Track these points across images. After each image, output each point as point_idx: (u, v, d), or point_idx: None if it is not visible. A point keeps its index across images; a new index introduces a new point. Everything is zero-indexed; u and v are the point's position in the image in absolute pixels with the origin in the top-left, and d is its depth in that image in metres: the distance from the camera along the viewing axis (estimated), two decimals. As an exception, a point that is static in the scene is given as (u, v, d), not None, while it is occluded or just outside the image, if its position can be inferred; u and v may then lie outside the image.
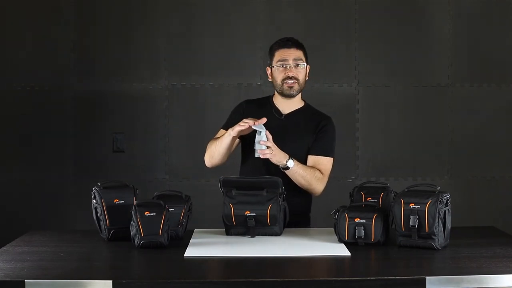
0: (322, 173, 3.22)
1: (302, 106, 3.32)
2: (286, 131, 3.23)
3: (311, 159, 3.24)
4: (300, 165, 3.15)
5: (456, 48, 4.69)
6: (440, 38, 4.69)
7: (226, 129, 3.29)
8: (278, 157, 3.08)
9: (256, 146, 3.04)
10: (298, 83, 3.24)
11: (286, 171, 3.13)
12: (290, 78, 3.22)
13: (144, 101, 4.67)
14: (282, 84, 3.23)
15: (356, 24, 4.68)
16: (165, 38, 4.66)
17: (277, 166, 3.12)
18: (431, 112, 4.72)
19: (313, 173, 3.18)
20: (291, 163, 3.10)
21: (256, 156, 3.06)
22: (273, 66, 3.26)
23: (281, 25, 4.64)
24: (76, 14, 4.64)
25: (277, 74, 3.25)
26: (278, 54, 3.25)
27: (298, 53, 3.25)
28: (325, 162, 3.25)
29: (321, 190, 3.24)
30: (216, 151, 3.24)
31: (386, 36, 4.70)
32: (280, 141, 3.14)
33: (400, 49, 4.70)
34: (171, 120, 4.68)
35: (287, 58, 3.22)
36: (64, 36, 4.64)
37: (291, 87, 3.23)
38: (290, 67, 3.22)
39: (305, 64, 3.26)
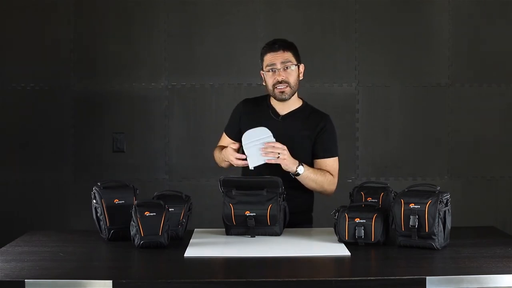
0: (331, 174, 3.23)
1: (300, 106, 3.30)
2: (283, 133, 3.21)
3: (317, 162, 3.24)
4: (311, 170, 3.16)
5: (456, 48, 4.69)
6: (440, 38, 4.69)
7: (227, 132, 3.40)
8: (288, 162, 3.08)
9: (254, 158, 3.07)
10: (290, 86, 3.19)
11: (297, 177, 3.13)
12: (280, 82, 3.18)
13: (144, 101, 4.67)
14: (274, 89, 3.20)
15: (356, 24, 4.68)
16: (165, 38, 4.66)
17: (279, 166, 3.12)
18: (431, 112, 4.72)
19: (324, 176, 3.19)
20: (301, 169, 3.10)
21: (259, 164, 3.07)
22: (264, 71, 3.24)
23: (281, 25, 4.64)
24: (76, 14, 4.64)
25: (267, 79, 3.22)
26: (267, 59, 3.21)
27: (286, 55, 3.19)
28: (332, 163, 3.25)
29: (333, 191, 3.25)
30: (223, 164, 3.35)
31: (386, 36, 4.70)
32: (280, 141, 3.14)
33: (400, 49, 4.70)
34: (171, 120, 4.68)
35: (274, 62, 3.17)
36: (64, 36, 4.64)
37: (282, 92, 3.19)
38: (279, 71, 3.17)
39: (296, 65, 3.21)
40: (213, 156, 3.43)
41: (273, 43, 3.23)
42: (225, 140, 3.40)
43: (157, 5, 4.66)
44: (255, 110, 3.31)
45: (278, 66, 3.17)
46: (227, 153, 3.18)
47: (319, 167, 3.23)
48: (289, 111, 3.27)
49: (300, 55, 3.28)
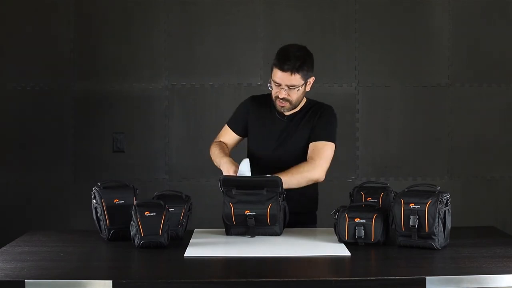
0: (313, 158, 3.13)
1: (304, 104, 3.29)
2: (289, 133, 3.23)
3: (309, 146, 3.19)
4: (281, 174, 3.02)
5: (456, 48, 4.69)
6: (440, 38, 4.69)
7: (231, 126, 3.37)
8: None
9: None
10: (290, 103, 3.17)
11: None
12: (282, 99, 3.16)
13: (144, 101, 4.67)
14: (275, 99, 3.19)
15: (356, 24, 4.68)
16: (165, 38, 4.66)
17: (277, 163, 3.13)
18: (431, 112, 4.72)
19: (298, 168, 3.09)
20: None
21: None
22: (270, 82, 3.19)
23: (281, 25, 4.65)
24: (76, 14, 4.64)
25: (273, 89, 3.19)
26: (275, 74, 3.14)
27: (294, 79, 3.10)
28: (320, 146, 3.17)
29: (320, 175, 3.12)
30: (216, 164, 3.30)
31: (386, 36, 4.70)
32: (285, 142, 3.19)
33: (400, 49, 4.70)
34: (171, 120, 4.68)
35: (280, 83, 3.12)
36: (64, 36, 4.64)
37: (282, 106, 3.19)
38: (282, 89, 3.13)
39: (302, 85, 3.14)
40: (209, 150, 3.36)
41: (283, 61, 3.10)
42: (228, 134, 3.37)
43: (157, 5, 4.66)
44: (261, 111, 3.31)
45: (283, 86, 3.13)
46: (223, 168, 3.17)
47: (309, 151, 3.16)
48: (294, 111, 3.26)
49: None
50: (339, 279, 2.31)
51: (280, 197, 2.91)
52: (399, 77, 4.71)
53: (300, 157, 3.17)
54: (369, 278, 2.30)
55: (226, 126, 3.41)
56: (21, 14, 4.64)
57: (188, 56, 4.67)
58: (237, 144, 3.40)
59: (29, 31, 4.64)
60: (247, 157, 3.36)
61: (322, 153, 3.15)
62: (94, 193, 2.91)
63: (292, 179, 3.06)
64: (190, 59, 4.67)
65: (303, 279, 2.33)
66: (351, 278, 2.32)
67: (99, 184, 2.93)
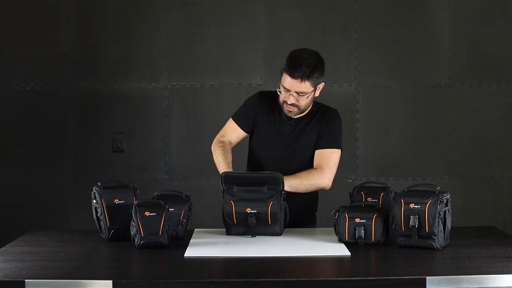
0: (322, 166, 3.17)
1: (311, 108, 3.26)
2: (297, 136, 3.23)
3: (316, 153, 3.21)
4: (291, 178, 3.07)
5: (456, 48, 4.69)
6: (440, 38, 4.69)
7: (238, 121, 3.31)
8: None
9: None
10: (298, 108, 3.15)
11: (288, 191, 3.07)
12: (290, 104, 3.13)
13: (144, 101, 4.67)
14: (283, 103, 3.17)
15: (356, 24, 4.68)
16: (165, 38, 4.66)
17: (282, 166, 3.13)
18: (431, 112, 4.72)
19: (308, 175, 3.13)
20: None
21: None
22: (280, 86, 3.16)
23: (281, 25, 4.64)
24: (76, 14, 4.64)
25: (281, 93, 3.15)
26: (284, 79, 3.10)
27: (303, 86, 3.07)
28: (328, 154, 3.20)
29: (327, 184, 3.16)
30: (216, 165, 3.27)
31: (386, 36, 4.70)
32: (292, 145, 3.19)
33: (400, 49, 4.70)
34: (171, 120, 4.68)
35: (289, 89, 3.09)
36: (64, 36, 4.64)
37: (289, 111, 3.17)
38: (291, 95, 3.11)
39: (311, 93, 3.12)
40: (212, 147, 3.31)
41: (294, 68, 3.05)
42: (234, 131, 3.31)
43: (157, 5, 4.66)
44: (269, 111, 3.27)
45: (292, 92, 3.11)
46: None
47: (317, 158, 3.19)
48: (301, 115, 3.25)
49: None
50: (339, 279, 2.31)
51: (281, 196, 2.91)
52: (399, 77, 4.71)
53: (305, 161, 3.18)
54: (369, 278, 2.30)
55: (231, 121, 3.33)
56: (21, 14, 4.64)
57: (188, 56, 4.67)
58: (241, 141, 3.36)
59: (29, 31, 4.64)
60: (248, 155, 3.36)
61: (330, 162, 3.19)
62: (94, 193, 2.91)
63: (301, 185, 3.11)
64: (190, 59, 4.67)
65: (303, 279, 2.33)
66: (351, 278, 2.32)
67: (99, 184, 2.93)
